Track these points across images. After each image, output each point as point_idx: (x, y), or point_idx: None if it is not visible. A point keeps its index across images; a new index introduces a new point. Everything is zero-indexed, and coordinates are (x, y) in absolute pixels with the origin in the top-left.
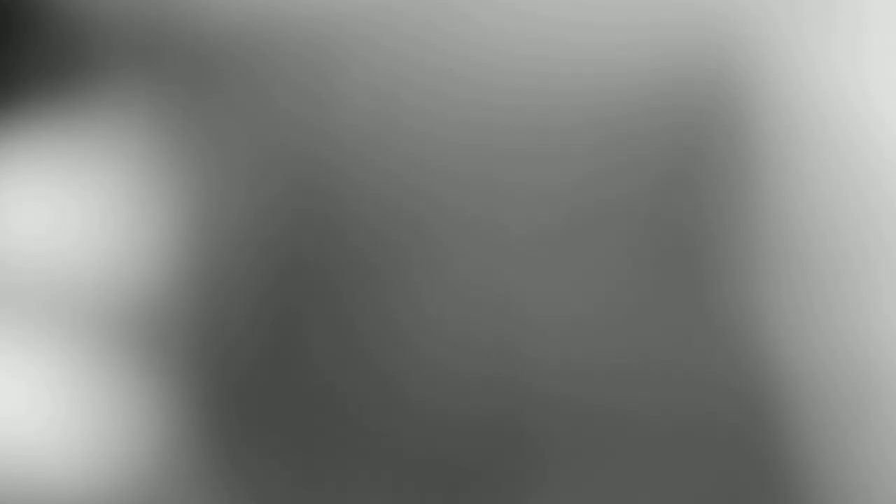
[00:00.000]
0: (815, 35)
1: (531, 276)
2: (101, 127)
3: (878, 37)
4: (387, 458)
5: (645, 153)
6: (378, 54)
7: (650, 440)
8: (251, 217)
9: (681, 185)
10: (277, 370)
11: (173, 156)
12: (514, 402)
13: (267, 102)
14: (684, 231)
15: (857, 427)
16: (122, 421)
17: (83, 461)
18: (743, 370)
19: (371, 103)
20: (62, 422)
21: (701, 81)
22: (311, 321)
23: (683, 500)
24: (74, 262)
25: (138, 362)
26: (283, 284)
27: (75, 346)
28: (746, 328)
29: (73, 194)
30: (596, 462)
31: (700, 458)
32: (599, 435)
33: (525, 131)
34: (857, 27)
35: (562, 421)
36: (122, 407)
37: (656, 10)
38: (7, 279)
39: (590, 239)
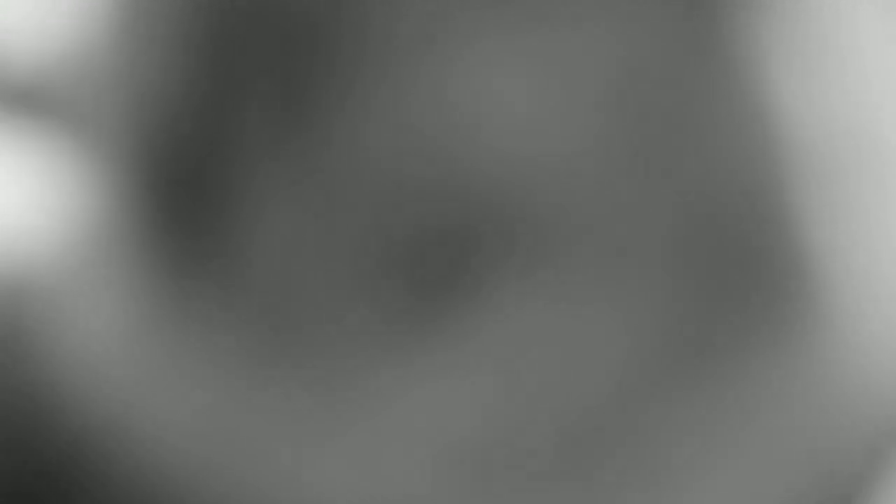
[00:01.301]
0: None
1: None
2: None
3: None
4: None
5: None
6: None
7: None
8: None
9: None
10: (211, 137)
11: None
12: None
13: None
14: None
15: (844, 205)
16: (55, 188)
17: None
18: (749, 135)
19: None
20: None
21: None
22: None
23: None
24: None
25: (72, 132)
26: (220, 33)
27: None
28: (755, 91)
29: None
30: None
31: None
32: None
33: None
34: None
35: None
36: (55, 177)
37: None
38: None
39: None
